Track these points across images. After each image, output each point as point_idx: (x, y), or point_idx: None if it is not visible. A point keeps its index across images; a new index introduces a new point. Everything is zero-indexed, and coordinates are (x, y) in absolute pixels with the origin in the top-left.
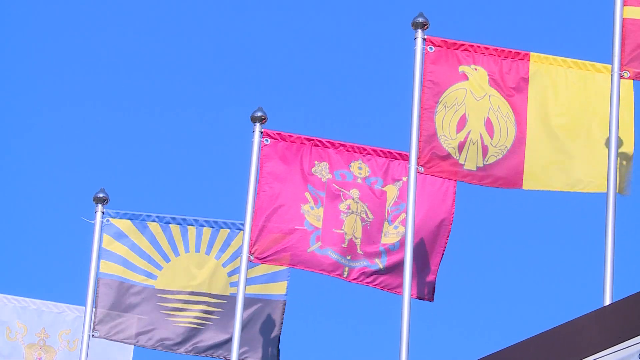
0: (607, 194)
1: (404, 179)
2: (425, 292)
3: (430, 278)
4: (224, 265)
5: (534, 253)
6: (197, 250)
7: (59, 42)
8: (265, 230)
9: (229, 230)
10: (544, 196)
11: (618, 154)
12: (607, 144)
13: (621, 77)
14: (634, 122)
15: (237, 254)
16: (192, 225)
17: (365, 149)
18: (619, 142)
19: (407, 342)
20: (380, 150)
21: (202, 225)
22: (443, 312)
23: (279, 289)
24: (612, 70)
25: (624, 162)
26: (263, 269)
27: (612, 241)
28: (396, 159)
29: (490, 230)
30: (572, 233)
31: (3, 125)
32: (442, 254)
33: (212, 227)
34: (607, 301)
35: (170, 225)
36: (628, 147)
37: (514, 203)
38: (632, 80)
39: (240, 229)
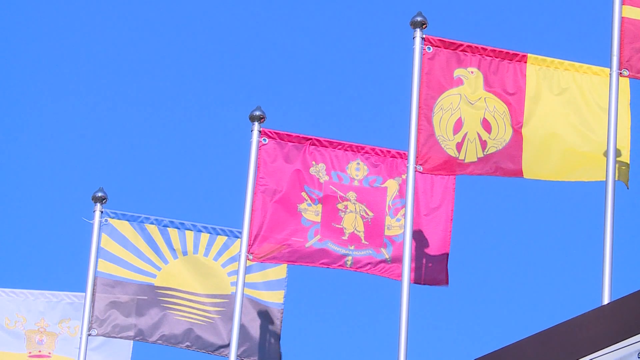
0: (605, 193)
1: (404, 176)
2: (438, 276)
3: (441, 264)
4: (223, 266)
5: (533, 251)
6: (195, 252)
7: (58, 40)
8: (263, 233)
9: (226, 238)
10: (542, 195)
11: (616, 151)
12: (606, 141)
13: (620, 74)
14: (631, 121)
15: (235, 258)
16: (190, 230)
17: (363, 148)
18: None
19: (406, 341)
20: (379, 150)
21: (200, 231)
22: (442, 310)
23: (276, 297)
24: (610, 69)
25: (623, 161)
26: (261, 275)
27: (611, 240)
28: (395, 157)
29: (489, 228)
30: (571, 231)
31: (3, 123)
32: (449, 242)
33: (210, 233)
34: (606, 300)
35: (168, 228)
36: (625, 143)
37: (512, 201)
38: (628, 79)
39: (238, 237)
